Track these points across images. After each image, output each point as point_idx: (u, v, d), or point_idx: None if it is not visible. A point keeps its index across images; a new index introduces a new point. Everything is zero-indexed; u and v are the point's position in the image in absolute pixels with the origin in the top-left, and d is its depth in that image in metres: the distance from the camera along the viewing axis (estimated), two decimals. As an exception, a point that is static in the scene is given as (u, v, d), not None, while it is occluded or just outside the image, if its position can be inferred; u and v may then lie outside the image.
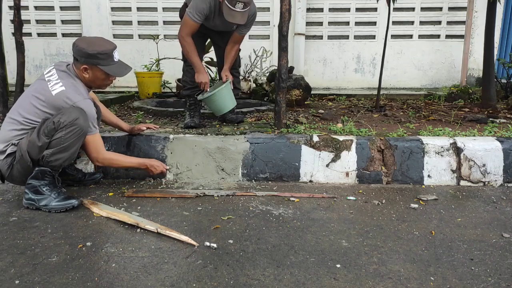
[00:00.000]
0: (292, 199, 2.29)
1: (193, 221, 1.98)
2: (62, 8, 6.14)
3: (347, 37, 6.17)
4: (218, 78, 3.68)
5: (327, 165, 2.59)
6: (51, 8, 6.12)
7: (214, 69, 4.58)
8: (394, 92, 5.49)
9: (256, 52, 5.13)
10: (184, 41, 2.88)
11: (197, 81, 2.98)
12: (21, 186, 2.42)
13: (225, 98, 3.00)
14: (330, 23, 6.14)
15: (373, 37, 6.14)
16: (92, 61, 2.09)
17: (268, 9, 6.04)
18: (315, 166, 2.59)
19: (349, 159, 2.58)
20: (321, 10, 6.11)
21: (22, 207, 2.12)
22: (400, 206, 2.21)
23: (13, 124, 2.09)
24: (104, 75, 2.16)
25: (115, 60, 2.17)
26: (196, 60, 2.93)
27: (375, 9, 6.01)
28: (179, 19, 3.30)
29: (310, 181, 2.60)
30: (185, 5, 3.11)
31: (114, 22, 6.14)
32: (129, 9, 6.10)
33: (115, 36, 6.14)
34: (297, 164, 2.59)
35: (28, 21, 5.94)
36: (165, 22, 6.12)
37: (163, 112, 3.56)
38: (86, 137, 2.11)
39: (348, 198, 2.32)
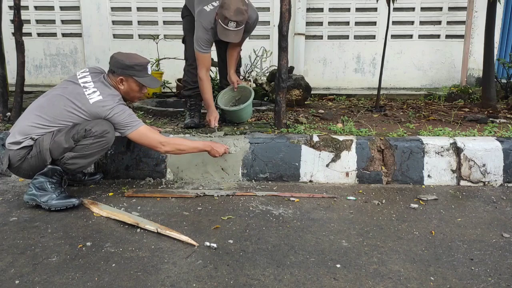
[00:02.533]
0: (292, 199, 2.29)
1: (193, 221, 1.98)
2: (62, 8, 6.13)
3: (347, 37, 6.17)
4: (218, 78, 3.68)
5: (327, 165, 2.59)
6: (51, 8, 6.12)
7: (214, 69, 4.58)
8: (394, 92, 5.49)
9: (256, 52, 5.12)
10: (202, 80, 2.91)
11: (207, 119, 2.95)
12: (21, 187, 2.43)
13: (248, 109, 3.08)
14: (330, 23, 6.14)
15: (373, 37, 6.13)
16: (129, 72, 2.23)
17: (268, 9, 6.04)
18: (315, 166, 2.59)
19: (349, 159, 2.58)
20: (321, 10, 6.11)
21: (22, 207, 2.12)
22: (400, 206, 2.21)
23: (38, 120, 2.12)
24: (138, 86, 2.29)
25: (149, 73, 2.32)
26: (209, 97, 2.94)
27: (375, 9, 6.00)
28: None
29: (310, 181, 2.60)
30: (186, 7, 3.10)
31: (114, 22, 6.13)
32: (129, 9, 6.09)
33: (115, 36, 6.13)
34: (297, 164, 2.59)
35: (28, 21, 5.93)
36: (165, 22, 6.11)
37: (163, 112, 3.56)
38: (135, 133, 2.18)
39: (348, 198, 2.32)
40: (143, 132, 2.21)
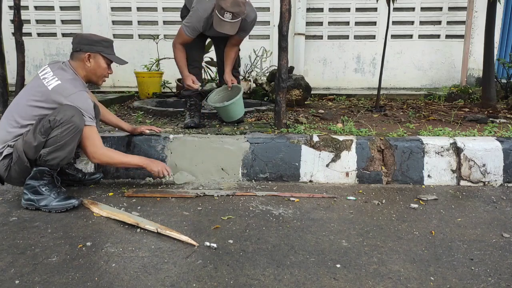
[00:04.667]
0: (292, 199, 2.29)
1: (193, 221, 1.98)
2: (62, 8, 6.14)
3: (347, 37, 6.17)
4: (218, 78, 3.68)
5: (327, 165, 2.59)
6: (51, 8, 6.13)
7: (214, 69, 4.58)
8: (394, 92, 5.50)
9: (256, 52, 5.13)
10: (175, 48, 2.96)
11: (186, 84, 3.00)
12: (21, 187, 2.43)
13: (237, 107, 3.06)
14: (330, 23, 6.15)
15: (373, 37, 6.14)
16: (96, 48, 2.17)
17: (268, 9, 6.04)
18: (315, 166, 2.59)
19: (349, 159, 2.58)
20: (321, 10, 6.11)
21: (22, 207, 2.12)
22: (400, 206, 2.21)
23: (9, 126, 2.08)
24: (106, 63, 2.23)
25: (115, 52, 2.28)
26: (182, 66, 2.98)
27: (375, 9, 6.01)
28: (179, 19, 3.31)
29: (310, 181, 2.60)
30: (185, 7, 3.11)
31: (114, 22, 6.14)
32: (129, 9, 6.10)
33: (115, 36, 6.14)
34: (297, 164, 2.59)
35: (28, 21, 5.94)
36: (165, 22, 6.12)
37: (163, 112, 3.56)
38: (85, 129, 2.07)
39: (348, 198, 2.32)
40: (91, 133, 2.11)
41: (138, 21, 6.14)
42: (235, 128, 2.92)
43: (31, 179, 2.07)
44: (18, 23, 3.21)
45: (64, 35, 6.21)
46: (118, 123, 2.63)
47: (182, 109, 3.53)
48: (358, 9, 6.07)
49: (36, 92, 2.07)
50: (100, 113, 2.47)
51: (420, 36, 6.11)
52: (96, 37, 2.21)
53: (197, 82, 2.98)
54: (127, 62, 2.35)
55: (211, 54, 3.72)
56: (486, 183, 2.56)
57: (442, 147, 2.57)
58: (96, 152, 2.14)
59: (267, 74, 4.88)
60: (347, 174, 2.59)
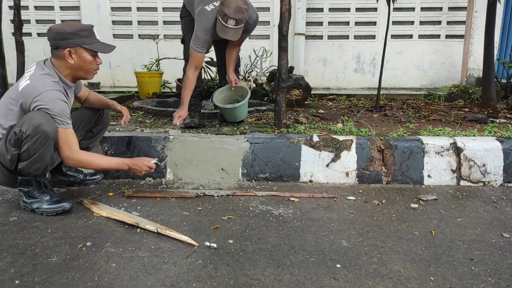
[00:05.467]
0: (292, 199, 2.29)
1: (193, 221, 1.98)
2: (62, 8, 6.14)
3: (347, 37, 6.17)
4: (217, 78, 3.68)
5: (327, 165, 2.59)
6: (51, 8, 6.12)
7: (214, 69, 4.58)
8: (394, 92, 5.50)
9: (256, 52, 5.12)
10: (187, 77, 2.89)
11: (174, 114, 2.89)
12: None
13: (244, 109, 3.10)
14: (330, 23, 6.14)
15: (373, 37, 6.14)
16: (75, 41, 1.94)
17: (268, 9, 6.04)
18: (315, 166, 2.59)
19: (349, 159, 2.58)
20: (321, 10, 6.11)
21: (21, 207, 2.12)
22: (400, 206, 2.21)
23: None
24: (91, 55, 2.01)
25: (97, 38, 2.03)
26: (187, 95, 2.91)
27: (375, 9, 6.01)
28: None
29: (310, 181, 2.60)
30: (184, 7, 3.11)
31: (114, 22, 6.14)
32: (129, 9, 6.10)
33: (115, 36, 6.14)
34: (297, 164, 2.59)
35: (28, 21, 5.94)
36: (165, 22, 6.12)
37: (163, 112, 3.56)
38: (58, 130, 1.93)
39: (348, 198, 2.32)
40: (65, 135, 1.93)
41: (138, 21, 6.14)
42: (235, 128, 2.92)
43: (20, 185, 2.05)
44: (18, 23, 3.21)
45: (64, 35, 6.20)
46: (104, 101, 2.43)
47: (182, 109, 3.52)
48: (358, 9, 6.07)
49: (12, 94, 1.95)
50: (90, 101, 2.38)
51: (420, 36, 6.10)
52: (71, 27, 1.95)
53: (179, 122, 2.84)
54: (115, 47, 2.13)
55: (211, 54, 3.72)
56: (486, 183, 2.56)
57: (442, 147, 2.57)
58: (69, 157, 1.97)
59: (267, 74, 4.88)
60: (347, 174, 2.59)
